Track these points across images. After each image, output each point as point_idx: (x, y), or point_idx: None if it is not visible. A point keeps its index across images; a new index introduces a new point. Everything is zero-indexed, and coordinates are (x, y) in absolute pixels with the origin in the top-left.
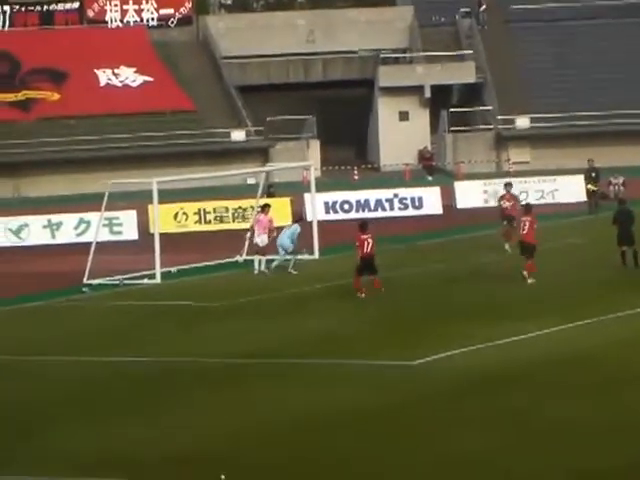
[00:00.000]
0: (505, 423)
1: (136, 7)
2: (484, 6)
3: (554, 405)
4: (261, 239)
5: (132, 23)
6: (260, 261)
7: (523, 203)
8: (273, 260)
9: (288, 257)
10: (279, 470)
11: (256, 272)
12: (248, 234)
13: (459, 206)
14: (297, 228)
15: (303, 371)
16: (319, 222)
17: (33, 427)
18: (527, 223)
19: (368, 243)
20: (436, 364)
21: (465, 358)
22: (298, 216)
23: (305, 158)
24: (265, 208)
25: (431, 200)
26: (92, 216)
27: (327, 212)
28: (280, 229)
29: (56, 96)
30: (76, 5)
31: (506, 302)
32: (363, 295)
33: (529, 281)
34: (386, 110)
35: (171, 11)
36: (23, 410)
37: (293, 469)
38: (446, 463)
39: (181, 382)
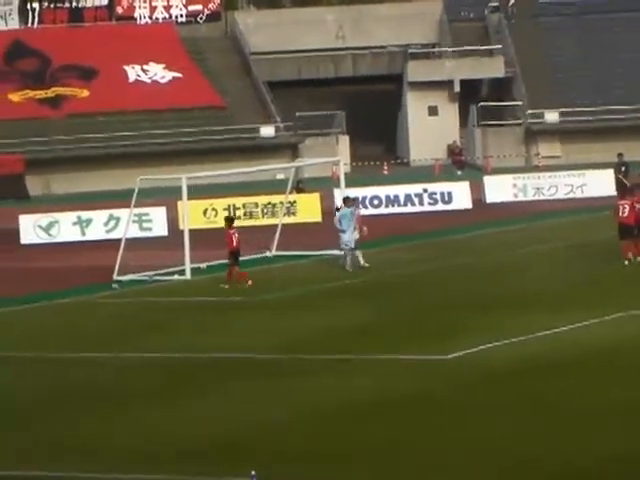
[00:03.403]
0: (539, 411)
1: (165, 3)
2: (512, 1)
3: (587, 395)
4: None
5: (161, 19)
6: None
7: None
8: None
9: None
10: (313, 457)
11: (362, 264)
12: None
13: (488, 201)
14: (343, 214)
15: (335, 365)
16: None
17: (68, 420)
18: (627, 206)
19: (235, 237)
20: (469, 357)
21: (498, 351)
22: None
23: (334, 153)
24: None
25: (460, 195)
26: (122, 212)
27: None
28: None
29: (85, 93)
30: (105, 2)
31: (538, 295)
32: (250, 282)
33: (632, 259)
34: (415, 105)
35: (200, 7)
36: (58, 403)
37: (327, 456)
38: (478, 450)
39: (214, 375)
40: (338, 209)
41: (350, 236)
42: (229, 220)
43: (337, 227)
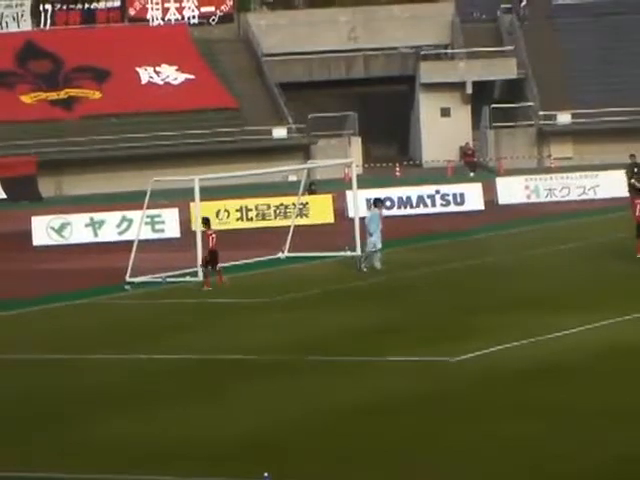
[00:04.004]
0: (550, 414)
1: (177, 5)
2: (524, 2)
3: (599, 396)
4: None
5: (173, 21)
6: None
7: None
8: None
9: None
10: (326, 457)
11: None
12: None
13: (501, 202)
14: (372, 215)
15: (346, 366)
16: (361, 219)
17: (81, 421)
18: None
19: (213, 239)
20: (479, 359)
21: (510, 352)
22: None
23: (347, 155)
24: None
25: (473, 196)
26: (134, 214)
27: (369, 209)
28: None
29: (98, 94)
30: (117, 3)
31: (550, 296)
32: (210, 288)
33: None
34: (427, 106)
35: (212, 9)
36: (71, 404)
37: (340, 457)
38: (491, 447)
39: (228, 376)
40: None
41: (377, 238)
42: (206, 222)
43: (366, 228)
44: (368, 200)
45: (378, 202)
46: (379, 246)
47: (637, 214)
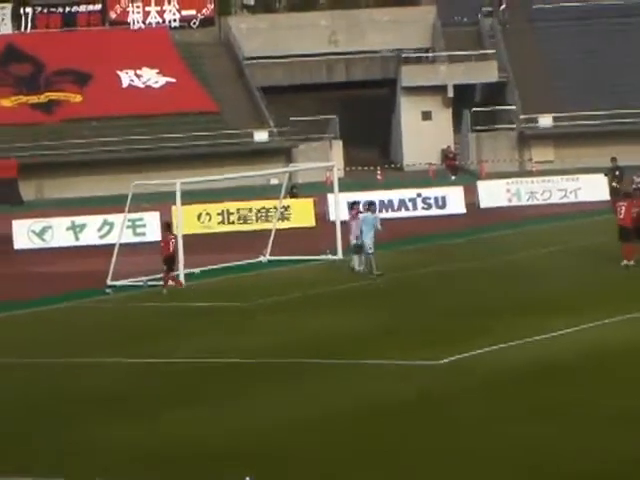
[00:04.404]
0: (538, 416)
1: (158, 8)
2: (504, 5)
3: (593, 397)
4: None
5: (154, 24)
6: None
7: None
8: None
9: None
10: (317, 462)
11: (357, 270)
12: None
13: (482, 205)
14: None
15: (326, 370)
16: (342, 222)
17: (67, 426)
18: (623, 208)
19: (172, 243)
20: (466, 361)
21: (499, 354)
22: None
23: (328, 158)
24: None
25: (454, 199)
26: (115, 218)
27: (349, 212)
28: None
29: (79, 98)
30: (98, 7)
31: (537, 299)
32: (165, 291)
33: (629, 264)
34: (409, 110)
35: (193, 12)
36: (57, 410)
37: (334, 461)
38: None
39: (213, 380)
40: (360, 212)
41: (370, 240)
42: (167, 226)
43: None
44: (349, 203)
45: (371, 205)
46: (370, 250)
47: (620, 217)
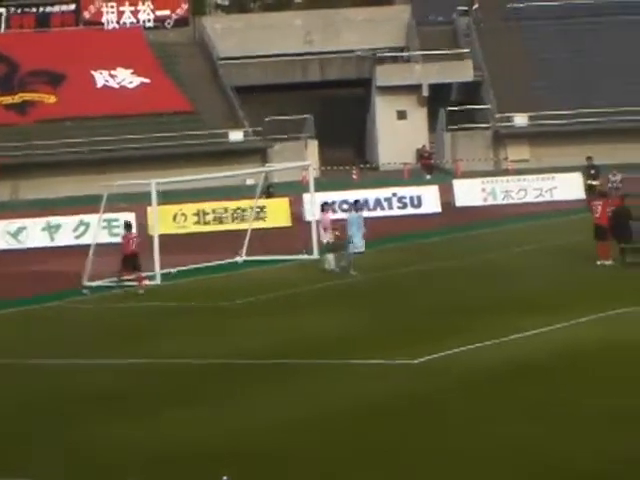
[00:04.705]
0: (517, 414)
1: (132, 8)
2: (476, 5)
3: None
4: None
5: (128, 24)
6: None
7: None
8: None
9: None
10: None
11: (331, 269)
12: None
13: (458, 204)
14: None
15: (309, 371)
16: (318, 222)
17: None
18: (599, 207)
19: (133, 241)
20: (443, 360)
21: (474, 353)
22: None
23: (304, 158)
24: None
25: (430, 199)
26: (91, 218)
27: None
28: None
29: (53, 98)
30: (72, 7)
31: (512, 298)
32: (141, 291)
33: (606, 263)
34: (384, 109)
35: (167, 12)
36: (44, 412)
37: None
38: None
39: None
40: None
41: (359, 240)
42: (127, 225)
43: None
44: (325, 203)
45: (357, 204)
46: (362, 249)
47: (596, 216)
